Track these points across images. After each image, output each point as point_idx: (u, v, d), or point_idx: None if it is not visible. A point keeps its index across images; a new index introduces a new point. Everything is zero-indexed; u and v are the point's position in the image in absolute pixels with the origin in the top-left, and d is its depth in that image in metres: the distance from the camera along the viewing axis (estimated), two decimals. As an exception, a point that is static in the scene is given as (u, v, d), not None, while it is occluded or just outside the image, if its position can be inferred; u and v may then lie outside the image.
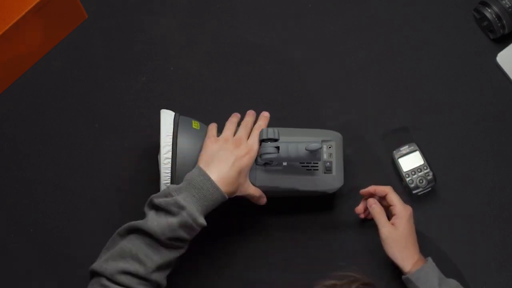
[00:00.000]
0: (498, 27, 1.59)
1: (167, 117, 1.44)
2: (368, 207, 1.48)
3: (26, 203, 1.57)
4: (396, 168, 1.55)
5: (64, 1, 1.56)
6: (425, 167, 1.54)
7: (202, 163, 1.37)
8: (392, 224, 1.45)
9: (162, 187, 1.41)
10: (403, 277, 1.44)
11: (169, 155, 1.41)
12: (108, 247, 1.34)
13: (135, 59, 1.63)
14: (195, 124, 1.46)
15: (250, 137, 1.43)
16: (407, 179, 1.54)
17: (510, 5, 1.57)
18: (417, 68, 1.63)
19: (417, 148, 1.55)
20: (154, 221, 1.31)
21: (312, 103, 1.61)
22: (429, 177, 1.53)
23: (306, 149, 1.37)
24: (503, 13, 1.58)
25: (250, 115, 1.47)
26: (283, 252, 1.55)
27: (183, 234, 1.32)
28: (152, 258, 1.30)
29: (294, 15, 1.65)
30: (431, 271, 1.43)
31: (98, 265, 1.31)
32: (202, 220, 1.33)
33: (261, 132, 1.42)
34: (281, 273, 1.54)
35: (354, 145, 1.59)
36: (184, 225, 1.31)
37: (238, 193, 1.40)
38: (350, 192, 1.57)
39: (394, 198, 1.46)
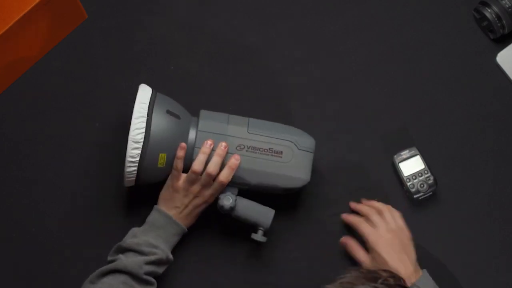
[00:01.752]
0: (498, 27, 1.59)
1: (143, 94, 1.46)
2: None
3: (26, 203, 1.57)
4: (396, 172, 1.55)
5: (64, 1, 1.56)
6: (425, 172, 1.54)
7: (161, 204, 1.48)
8: (368, 255, 1.47)
9: (127, 164, 1.44)
10: None
11: (138, 138, 1.43)
12: None
13: (135, 59, 1.63)
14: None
15: (210, 190, 1.46)
16: (408, 184, 1.53)
17: (510, 5, 1.58)
18: (417, 68, 1.63)
19: (417, 152, 1.55)
20: (126, 261, 1.41)
21: (312, 102, 1.61)
22: (430, 181, 1.53)
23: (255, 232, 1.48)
24: (503, 13, 1.58)
25: (212, 162, 1.44)
26: (283, 252, 1.55)
27: (157, 270, 1.44)
28: None
29: (294, 15, 1.65)
30: (423, 286, 1.41)
31: None
32: (171, 256, 1.45)
33: (219, 197, 1.47)
34: (281, 273, 1.54)
35: (354, 146, 1.59)
36: (159, 262, 1.43)
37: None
38: (351, 194, 1.57)
39: (363, 231, 1.47)
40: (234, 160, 1.44)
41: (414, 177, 1.53)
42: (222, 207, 1.45)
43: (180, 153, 1.43)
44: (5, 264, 1.55)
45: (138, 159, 1.43)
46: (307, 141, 1.48)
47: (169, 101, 1.48)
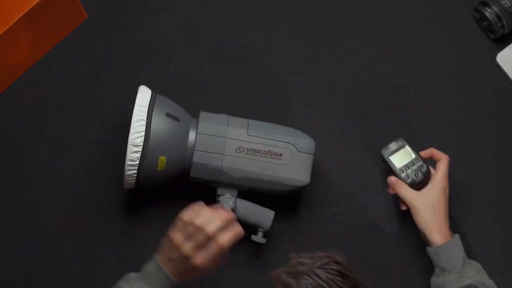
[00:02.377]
0: (498, 27, 1.59)
1: (143, 97, 1.46)
2: (389, 184, 1.48)
3: (26, 203, 1.57)
4: (387, 166, 1.53)
5: (64, 1, 1.56)
6: (417, 160, 1.51)
7: (160, 257, 1.33)
8: (422, 192, 1.46)
9: (127, 167, 1.43)
10: (427, 248, 1.44)
11: (138, 141, 1.42)
12: None
13: (135, 59, 1.63)
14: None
15: (204, 255, 1.31)
16: (402, 175, 1.51)
17: (510, 5, 1.58)
18: (417, 68, 1.63)
19: (404, 142, 1.51)
20: None
21: (312, 102, 1.61)
22: (424, 170, 1.50)
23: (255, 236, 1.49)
24: (503, 13, 1.58)
25: (216, 221, 1.31)
26: (283, 252, 1.55)
27: None
28: None
29: (294, 15, 1.65)
30: (456, 247, 1.43)
31: None
32: None
33: (218, 199, 1.46)
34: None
35: (354, 146, 1.59)
36: None
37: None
38: (351, 194, 1.57)
39: (442, 166, 1.47)
40: (239, 229, 1.33)
41: (407, 168, 1.51)
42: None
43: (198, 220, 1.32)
44: (5, 264, 1.55)
45: (137, 162, 1.43)
46: (307, 143, 1.48)
47: (168, 103, 1.48)
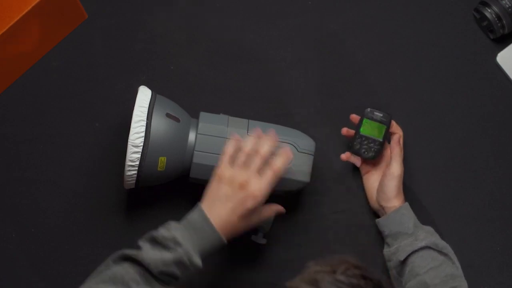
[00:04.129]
0: (498, 27, 1.59)
1: (143, 97, 1.46)
2: (395, 143, 1.49)
3: (27, 203, 1.57)
4: (356, 124, 1.52)
5: (64, 1, 1.56)
6: (380, 143, 1.50)
7: (204, 203, 1.32)
8: (400, 160, 1.49)
9: (127, 168, 1.43)
10: (378, 220, 1.50)
11: (138, 142, 1.42)
12: (100, 270, 1.30)
13: (135, 58, 1.63)
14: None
15: (261, 180, 1.31)
16: (356, 140, 1.51)
17: (510, 5, 1.58)
18: (417, 68, 1.63)
19: (389, 120, 1.50)
20: (149, 253, 1.28)
21: (312, 102, 1.61)
22: (376, 153, 1.50)
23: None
24: (503, 13, 1.58)
25: (265, 143, 1.33)
26: (283, 252, 1.55)
27: (176, 271, 1.28)
28: None
29: (294, 14, 1.65)
30: (407, 212, 1.47)
31: (88, 286, 1.28)
32: (197, 260, 1.29)
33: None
34: (281, 273, 1.54)
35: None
36: (178, 262, 1.28)
37: (251, 227, 1.36)
38: (351, 194, 1.57)
39: (399, 140, 1.50)
40: (289, 152, 1.33)
41: (365, 139, 1.51)
42: None
43: (243, 145, 1.34)
44: (5, 264, 1.55)
45: (137, 162, 1.43)
46: (307, 143, 1.48)
47: (168, 103, 1.47)
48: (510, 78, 1.61)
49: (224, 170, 1.32)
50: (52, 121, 1.60)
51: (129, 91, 1.60)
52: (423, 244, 1.44)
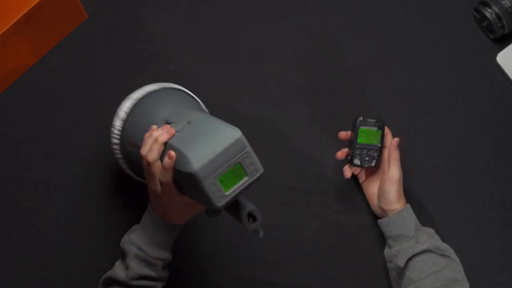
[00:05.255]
0: (498, 27, 1.59)
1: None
2: (393, 148, 1.49)
3: (27, 203, 1.57)
4: (353, 133, 1.50)
5: (64, 1, 1.56)
6: (378, 149, 1.50)
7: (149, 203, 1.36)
8: (399, 165, 1.50)
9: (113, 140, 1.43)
10: (381, 221, 1.49)
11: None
12: None
13: (135, 58, 1.63)
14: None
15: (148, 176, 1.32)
16: (356, 152, 1.50)
17: (510, 5, 1.58)
18: (417, 68, 1.63)
19: (383, 125, 1.50)
20: (119, 267, 1.34)
21: (311, 102, 1.61)
22: (374, 162, 1.50)
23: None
24: (503, 13, 1.58)
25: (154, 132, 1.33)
26: (283, 252, 1.55)
27: (144, 271, 1.32)
28: None
29: (294, 14, 1.65)
30: (408, 215, 1.47)
31: None
32: (155, 253, 1.33)
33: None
34: (281, 273, 1.54)
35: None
36: (139, 259, 1.32)
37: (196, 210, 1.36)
38: (351, 194, 1.57)
39: (394, 143, 1.50)
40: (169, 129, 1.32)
41: (364, 149, 1.50)
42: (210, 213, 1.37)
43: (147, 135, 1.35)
44: (5, 264, 1.55)
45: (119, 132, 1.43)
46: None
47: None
48: (510, 78, 1.61)
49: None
50: (52, 121, 1.60)
51: (129, 91, 1.60)
52: (424, 247, 1.44)
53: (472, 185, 1.58)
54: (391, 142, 1.50)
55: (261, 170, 1.27)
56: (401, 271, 1.44)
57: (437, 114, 1.61)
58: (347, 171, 1.52)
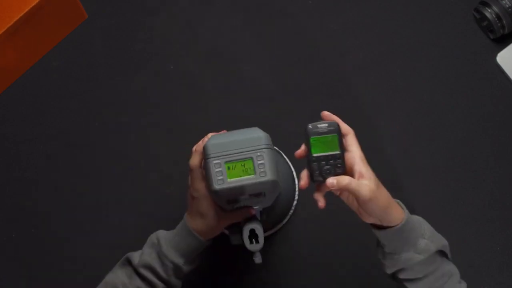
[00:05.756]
0: (498, 27, 1.59)
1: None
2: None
3: (27, 203, 1.57)
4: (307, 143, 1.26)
5: (64, 1, 1.56)
6: (339, 156, 1.25)
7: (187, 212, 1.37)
8: (367, 174, 1.25)
9: None
10: (391, 231, 1.26)
11: None
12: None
13: (135, 58, 1.63)
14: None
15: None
16: (314, 164, 1.25)
17: (510, 5, 1.58)
18: (417, 68, 1.63)
19: (337, 128, 1.26)
20: (138, 253, 1.35)
21: (312, 102, 1.61)
22: (338, 170, 1.25)
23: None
24: (503, 13, 1.58)
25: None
26: (283, 252, 1.55)
27: (154, 262, 1.32)
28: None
29: (294, 14, 1.65)
30: (420, 217, 1.31)
31: None
32: (168, 252, 1.32)
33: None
34: (281, 273, 1.54)
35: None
36: (153, 250, 1.33)
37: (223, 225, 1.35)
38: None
39: (354, 143, 1.27)
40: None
41: (323, 160, 1.25)
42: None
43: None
44: (5, 264, 1.55)
45: None
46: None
47: None
48: (510, 78, 1.61)
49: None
50: (52, 121, 1.60)
51: (129, 90, 1.60)
52: (425, 256, 1.29)
53: (472, 185, 1.58)
54: (346, 136, 1.27)
55: (270, 176, 1.28)
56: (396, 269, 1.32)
57: (437, 114, 1.61)
58: (320, 201, 1.27)
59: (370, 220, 1.28)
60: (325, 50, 1.64)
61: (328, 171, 1.24)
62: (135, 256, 1.34)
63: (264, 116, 1.58)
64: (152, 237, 1.35)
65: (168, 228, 1.35)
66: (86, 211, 1.57)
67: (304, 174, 1.26)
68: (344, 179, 1.23)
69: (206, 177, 1.29)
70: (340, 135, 1.26)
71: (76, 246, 1.56)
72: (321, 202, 1.27)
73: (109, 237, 1.56)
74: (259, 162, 1.28)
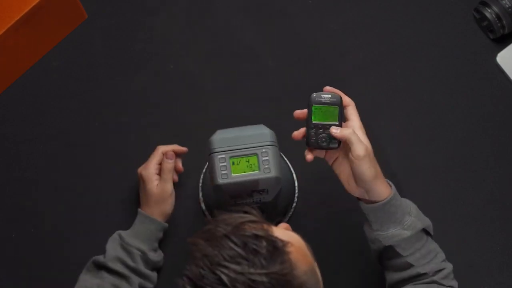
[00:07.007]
0: (498, 27, 1.59)
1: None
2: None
3: (27, 203, 1.57)
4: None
5: (64, 1, 1.56)
6: (336, 127, 1.30)
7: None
8: (365, 140, 1.31)
9: None
10: (381, 204, 1.31)
11: None
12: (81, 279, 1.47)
13: (135, 58, 1.63)
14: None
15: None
16: (311, 131, 1.31)
17: (510, 5, 1.58)
18: (417, 68, 1.63)
19: (340, 101, 1.32)
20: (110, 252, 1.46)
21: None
22: (334, 141, 1.31)
23: None
24: (503, 13, 1.58)
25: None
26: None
27: (120, 253, 1.43)
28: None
29: (294, 14, 1.65)
30: (394, 205, 1.32)
31: None
32: (130, 241, 1.44)
33: None
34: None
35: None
36: (115, 243, 1.45)
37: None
38: (345, 192, 1.57)
39: (355, 114, 1.33)
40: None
41: (321, 127, 1.31)
42: None
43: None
44: (5, 264, 1.55)
45: None
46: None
47: None
48: (510, 78, 1.61)
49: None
50: (52, 121, 1.60)
51: (129, 90, 1.60)
52: (412, 232, 1.32)
53: (472, 185, 1.58)
54: (347, 110, 1.31)
55: (274, 173, 1.29)
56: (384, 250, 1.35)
57: (437, 114, 1.61)
58: (308, 155, 1.32)
59: (357, 193, 1.33)
60: (325, 50, 1.64)
61: (323, 139, 1.30)
62: (100, 257, 1.44)
63: (264, 116, 1.58)
64: (113, 235, 1.46)
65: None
66: (86, 211, 1.57)
67: (302, 130, 1.33)
68: (348, 129, 1.29)
69: (210, 171, 1.30)
70: (342, 109, 1.31)
71: (76, 246, 1.56)
72: (309, 156, 1.32)
73: (109, 237, 1.55)
74: (264, 158, 1.30)
